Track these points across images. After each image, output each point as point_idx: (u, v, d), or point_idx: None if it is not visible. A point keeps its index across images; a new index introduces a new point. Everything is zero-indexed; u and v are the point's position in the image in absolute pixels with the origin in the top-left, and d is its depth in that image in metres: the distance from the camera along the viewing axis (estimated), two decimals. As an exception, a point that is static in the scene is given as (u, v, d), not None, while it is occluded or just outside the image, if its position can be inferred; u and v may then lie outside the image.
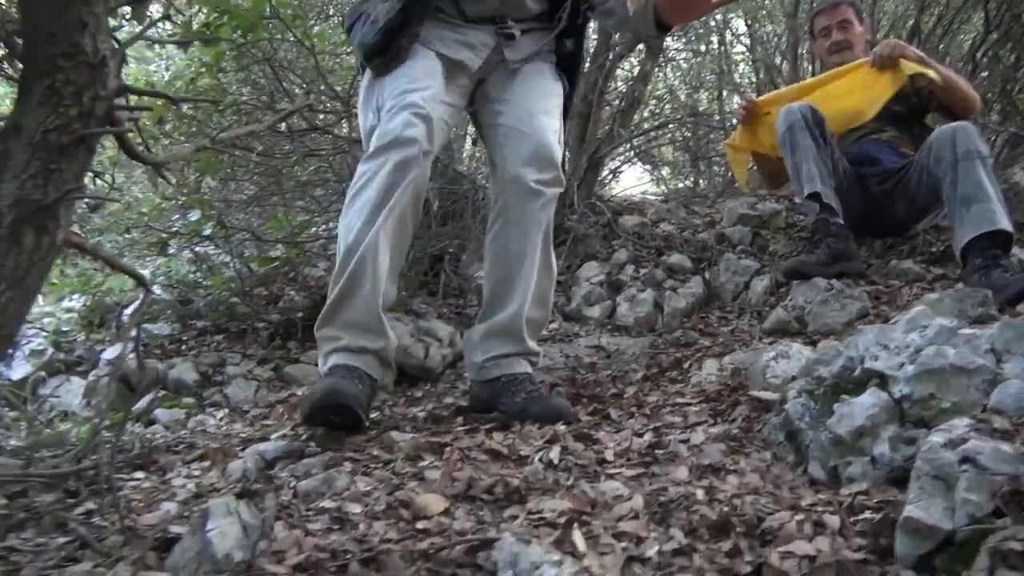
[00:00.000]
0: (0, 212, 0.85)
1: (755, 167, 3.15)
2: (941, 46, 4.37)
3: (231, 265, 2.98)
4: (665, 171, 5.61)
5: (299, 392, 2.40)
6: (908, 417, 1.17)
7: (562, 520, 1.06)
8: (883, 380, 1.22)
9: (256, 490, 1.17)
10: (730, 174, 5.56)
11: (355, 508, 1.16)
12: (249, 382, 2.47)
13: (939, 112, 2.80)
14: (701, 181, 5.96)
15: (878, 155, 2.77)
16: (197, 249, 3.09)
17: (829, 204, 2.51)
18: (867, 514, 1.02)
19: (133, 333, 1.43)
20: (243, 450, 1.53)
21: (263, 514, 1.07)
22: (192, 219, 2.76)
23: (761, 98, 2.93)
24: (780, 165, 2.83)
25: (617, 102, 4.06)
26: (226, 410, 2.30)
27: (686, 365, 2.17)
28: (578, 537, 1.00)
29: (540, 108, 1.84)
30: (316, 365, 2.56)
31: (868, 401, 1.19)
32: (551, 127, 1.84)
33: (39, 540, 1.13)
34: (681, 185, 6.07)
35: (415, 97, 1.69)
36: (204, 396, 2.41)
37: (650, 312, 2.75)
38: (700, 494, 1.14)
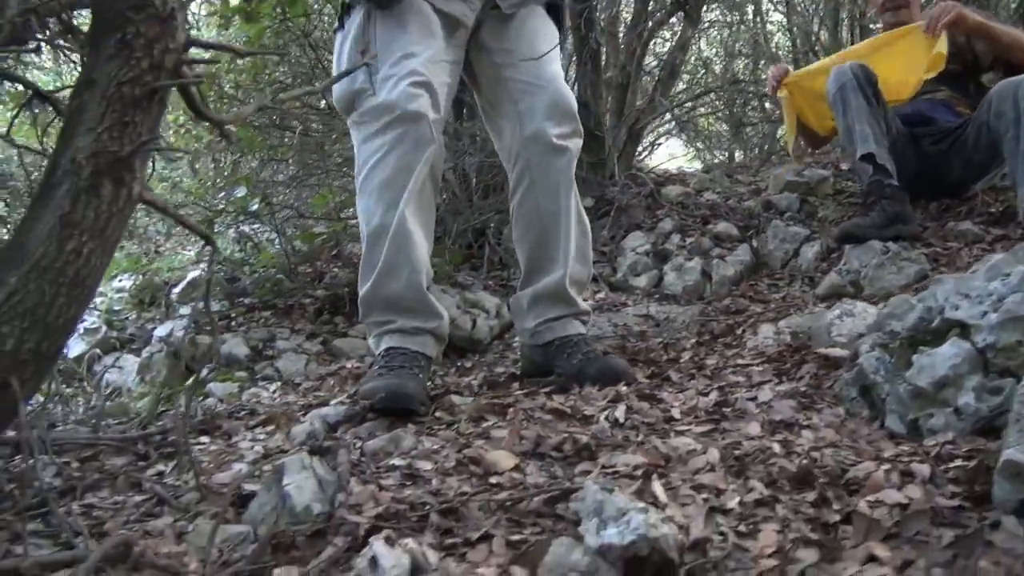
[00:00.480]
0: (79, 164, 0.85)
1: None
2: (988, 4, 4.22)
3: (275, 242, 3.00)
4: (702, 144, 5.51)
5: (348, 365, 2.41)
6: (992, 367, 1.13)
7: (639, 473, 1.04)
8: (965, 329, 1.17)
9: (328, 447, 1.17)
10: (767, 146, 5.47)
11: (425, 465, 1.15)
12: (299, 356, 2.48)
13: (998, 70, 2.70)
14: (739, 154, 5.87)
15: (933, 114, 2.69)
16: (243, 228, 3.11)
17: (883, 165, 2.44)
18: (958, 462, 0.98)
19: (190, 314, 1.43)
20: (304, 415, 1.54)
21: (337, 469, 1.07)
22: (238, 195, 2.78)
23: (798, 72, 2.84)
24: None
25: (656, 69, 4.00)
26: (278, 383, 2.31)
27: (739, 331, 2.13)
28: (658, 488, 0.98)
29: (547, 56, 1.75)
30: (364, 339, 2.59)
31: (949, 351, 1.15)
32: (560, 73, 1.77)
33: (116, 498, 1.14)
34: (717, 160, 5.98)
35: (414, 63, 1.59)
36: (256, 370, 2.43)
37: (698, 280, 2.72)
38: (776, 447, 1.12)
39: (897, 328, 1.30)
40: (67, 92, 1.60)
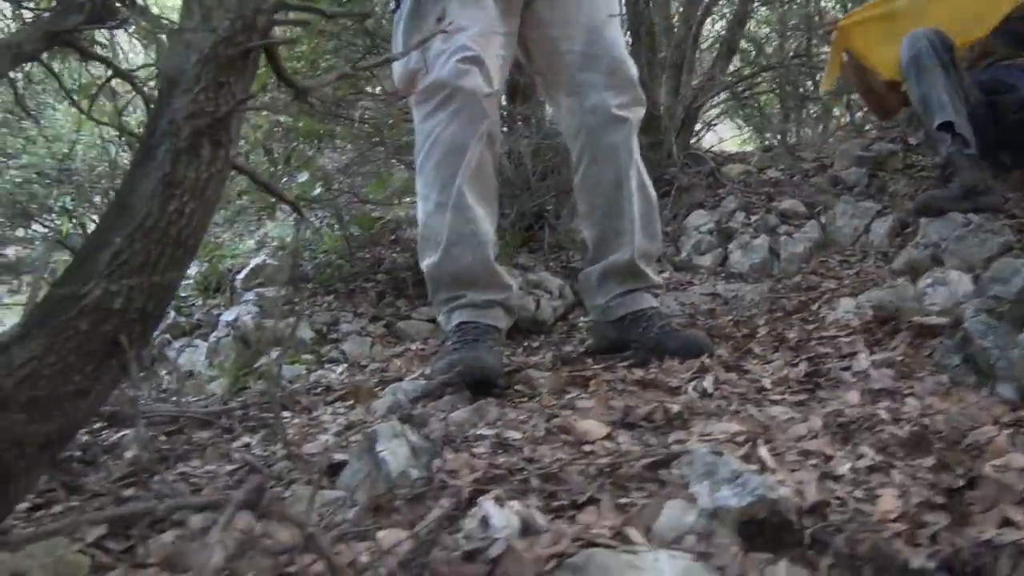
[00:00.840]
0: (177, 125, 0.84)
1: (862, 100, 2.96)
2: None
3: (334, 228, 3.01)
4: (761, 120, 5.37)
5: (413, 347, 2.41)
6: (1116, 328, 1.06)
7: (741, 439, 1.01)
8: (1084, 289, 1.11)
9: (417, 415, 1.15)
10: (823, 126, 5.33)
11: (514, 434, 1.13)
12: (363, 338, 2.49)
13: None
14: (792, 136, 5.71)
15: (1013, 81, 2.56)
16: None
17: (962, 134, 2.34)
18: (1089, 426, 0.93)
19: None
20: (381, 390, 1.53)
21: (430, 436, 1.05)
22: (300, 181, 2.80)
23: (854, 12, 2.76)
24: (887, 90, 2.69)
25: (712, 47, 3.91)
26: (344, 365, 2.32)
27: (814, 307, 2.07)
28: (764, 453, 0.94)
29: (602, 21, 1.70)
30: (427, 321, 2.59)
31: (1068, 313, 1.09)
32: (619, 40, 1.71)
33: (207, 468, 1.15)
34: (766, 143, 5.83)
35: (463, 38, 1.56)
36: (322, 353, 2.44)
37: (765, 258, 2.65)
38: (883, 414, 1.07)
39: (1003, 292, 1.24)
40: (143, 72, 1.61)
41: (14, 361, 0.73)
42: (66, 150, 4.19)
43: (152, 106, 1.25)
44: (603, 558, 0.67)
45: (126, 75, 1.41)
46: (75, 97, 2.62)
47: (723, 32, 4.01)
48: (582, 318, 2.44)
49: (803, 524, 0.80)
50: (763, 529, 0.78)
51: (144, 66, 1.56)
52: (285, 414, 1.46)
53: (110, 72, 1.46)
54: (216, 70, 0.88)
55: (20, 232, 5.09)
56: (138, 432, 0.91)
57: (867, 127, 4.46)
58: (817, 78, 4.42)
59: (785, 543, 0.77)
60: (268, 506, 0.61)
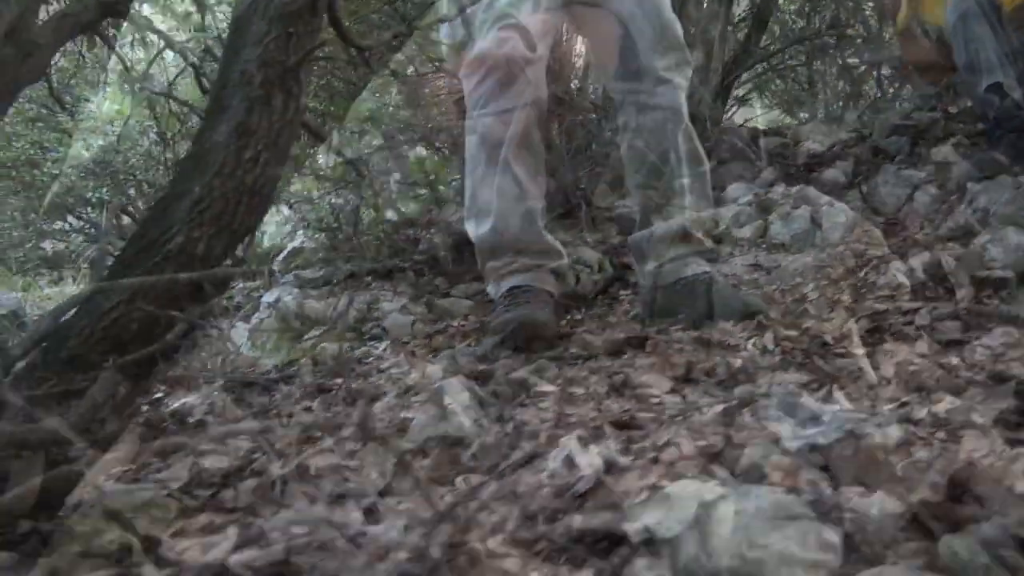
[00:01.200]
0: (250, 74, 0.85)
1: (911, 64, 2.92)
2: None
3: (369, 211, 3.03)
4: (801, 90, 5.30)
5: (455, 323, 2.41)
6: None
7: (814, 386, 1.00)
8: None
9: (482, 371, 1.15)
10: (853, 102, 5.25)
11: (578, 390, 1.13)
12: (404, 316, 2.49)
13: None
14: (821, 111, 5.63)
15: (1061, 41, 2.50)
16: (335, 200, 3.15)
17: (1012, 95, 2.29)
18: None
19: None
20: (435, 357, 1.53)
21: (497, 391, 1.05)
22: (337, 162, 2.82)
23: None
24: (934, 57, 2.64)
25: (743, 21, 3.86)
26: (387, 342, 2.32)
27: (862, 273, 2.03)
28: (840, 397, 0.93)
29: None
30: (467, 299, 2.59)
31: None
32: (665, 1, 1.69)
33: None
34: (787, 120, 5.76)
35: (502, 5, 1.55)
36: (364, 331, 2.45)
37: (807, 228, 2.60)
38: (955, 361, 1.05)
39: (1072, 241, 1.21)
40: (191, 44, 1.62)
41: (103, 306, 0.73)
42: (101, 142, 4.23)
43: (203, 77, 1.26)
44: (696, 488, 0.67)
45: (176, 46, 1.42)
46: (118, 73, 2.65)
47: (754, 5, 3.96)
48: (622, 292, 2.43)
49: (890, 460, 0.79)
50: (850, 465, 0.77)
51: (192, 37, 1.57)
52: (338, 380, 1.47)
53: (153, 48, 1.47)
54: (284, 22, 0.88)
55: (57, 225, 5.17)
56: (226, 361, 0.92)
57: (902, 99, 4.39)
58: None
59: (874, 478, 0.76)
60: (372, 430, 0.61)
